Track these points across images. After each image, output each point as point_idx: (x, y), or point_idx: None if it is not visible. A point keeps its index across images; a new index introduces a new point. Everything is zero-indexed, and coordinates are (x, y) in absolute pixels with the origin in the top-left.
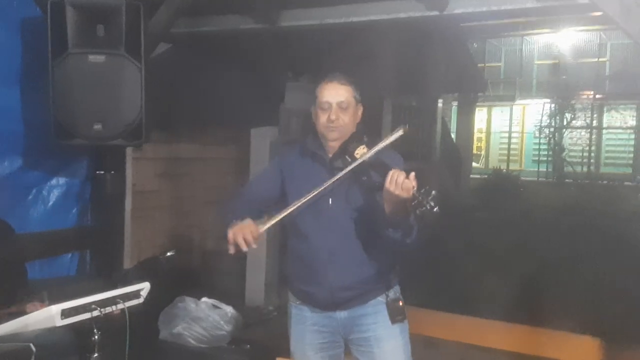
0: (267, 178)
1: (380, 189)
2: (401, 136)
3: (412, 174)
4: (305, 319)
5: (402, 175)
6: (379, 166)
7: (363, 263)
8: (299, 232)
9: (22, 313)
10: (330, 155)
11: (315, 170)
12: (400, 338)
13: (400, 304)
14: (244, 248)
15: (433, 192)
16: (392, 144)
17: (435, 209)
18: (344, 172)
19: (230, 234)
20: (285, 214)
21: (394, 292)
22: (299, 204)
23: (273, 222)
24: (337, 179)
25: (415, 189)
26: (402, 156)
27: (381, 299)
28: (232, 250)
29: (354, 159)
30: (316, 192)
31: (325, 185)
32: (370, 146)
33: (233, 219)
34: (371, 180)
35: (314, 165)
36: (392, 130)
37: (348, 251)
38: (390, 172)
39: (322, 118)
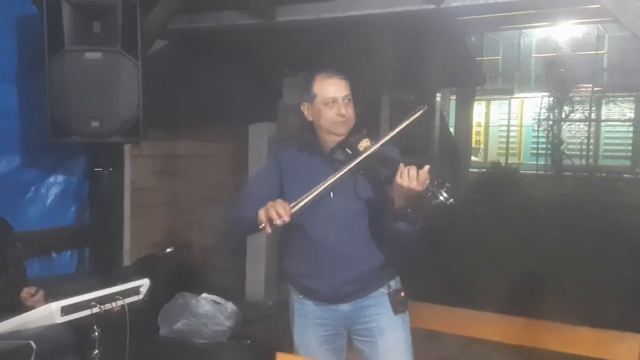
0: (267, 178)
1: (387, 182)
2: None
3: (427, 167)
4: (308, 312)
5: (414, 168)
6: (384, 159)
7: (365, 256)
8: (299, 227)
9: (19, 302)
10: (330, 148)
11: (314, 163)
12: (403, 329)
13: (402, 294)
14: (278, 221)
15: (447, 184)
16: (392, 138)
17: (450, 201)
18: (352, 164)
19: (262, 212)
20: (311, 197)
21: (396, 283)
22: (320, 189)
23: (303, 203)
24: (344, 172)
25: (429, 181)
26: (400, 151)
27: (383, 290)
28: (268, 228)
29: (357, 152)
30: (331, 181)
31: (337, 175)
32: (371, 138)
33: (253, 211)
34: (377, 173)
35: (313, 159)
36: (390, 124)
37: (350, 245)
38: (401, 167)
39: (329, 114)
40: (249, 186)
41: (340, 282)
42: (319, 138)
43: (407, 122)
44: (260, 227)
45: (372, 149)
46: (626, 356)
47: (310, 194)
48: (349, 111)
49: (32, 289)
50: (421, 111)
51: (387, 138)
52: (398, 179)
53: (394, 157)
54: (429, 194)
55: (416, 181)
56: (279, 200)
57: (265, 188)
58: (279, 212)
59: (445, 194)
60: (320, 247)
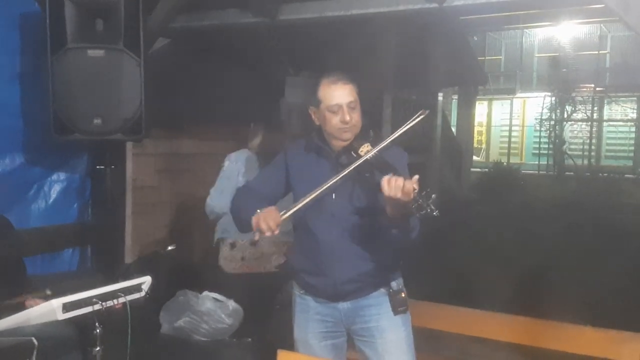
0: (273, 174)
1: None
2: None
3: (416, 177)
4: (308, 308)
5: (400, 179)
6: (382, 165)
7: (365, 257)
8: (304, 225)
9: (22, 307)
10: (336, 151)
11: (321, 165)
12: (403, 329)
13: (403, 295)
14: (268, 234)
15: (433, 195)
16: (394, 138)
17: (435, 212)
18: (347, 170)
19: (254, 220)
20: (302, 204)
21: (397, 284)
22: (313, 195)
23: (293, 211)
24: (341, 176)
25: (417, 191)
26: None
27: (384, 290)
28: (256, 236)
29: (359, 156)
30: (325, 187)
31: (332, 181)
32: (374, 143)
33: (252, 211)
34: (373, 179)
35: (319, 161)
36: (392, 124)
37: (350, 245)
38: (386, 178)
39: (334, 120)
40: (253, 181)
41: (340, 280)
42: (327, 141)
43: (406, 127)
44: (251, 233)
45: (365, 158)
46: (628, 356)
47: (303, 200)
48: (353, 117)
49: (37, 300)
50: (421, 116)
51: (384, 143)
52: (384, 188)
53: (392, 164)
54: (415, 205)
55: (401, 191)
56: (270, 210)
57: (269, 184)
58: (269, 224)
59: (431, 206)
60: (322, 246)
